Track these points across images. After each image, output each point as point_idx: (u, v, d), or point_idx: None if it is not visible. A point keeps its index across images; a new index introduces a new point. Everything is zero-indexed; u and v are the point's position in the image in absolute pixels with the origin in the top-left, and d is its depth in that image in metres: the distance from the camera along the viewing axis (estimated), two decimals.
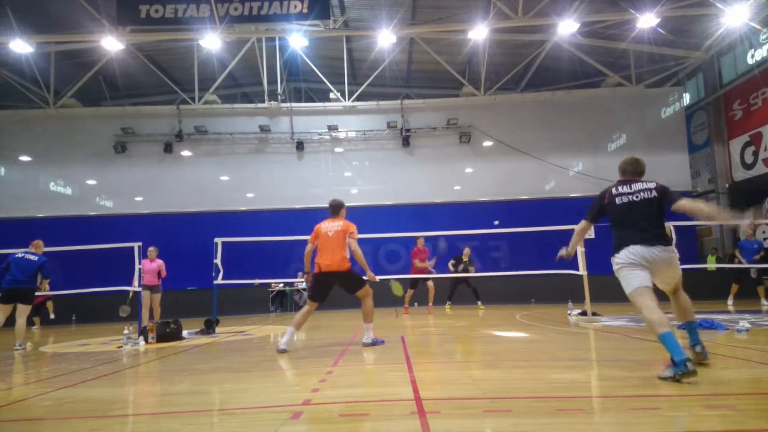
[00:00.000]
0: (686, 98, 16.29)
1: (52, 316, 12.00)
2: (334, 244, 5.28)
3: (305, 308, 5.38)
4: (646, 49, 14.58)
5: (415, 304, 12.03)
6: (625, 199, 3.76)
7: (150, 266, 9.77)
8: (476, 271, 11.28)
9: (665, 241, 3.62)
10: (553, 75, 16.37)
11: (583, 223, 3.99)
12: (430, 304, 11.03)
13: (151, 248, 9.89)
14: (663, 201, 3.69)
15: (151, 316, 9.97)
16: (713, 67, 15.64)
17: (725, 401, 2.54)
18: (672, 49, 14.91)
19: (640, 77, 15.85)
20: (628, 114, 15.61)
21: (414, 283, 10.87)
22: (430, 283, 10.84)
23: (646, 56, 15.13)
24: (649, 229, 3.64)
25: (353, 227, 5.41)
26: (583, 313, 8.15)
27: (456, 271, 11.15)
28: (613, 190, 3.82)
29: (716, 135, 15.62)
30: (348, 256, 5.34)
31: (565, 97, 15.74)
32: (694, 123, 16.51)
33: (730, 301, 10.24)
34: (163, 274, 9.79)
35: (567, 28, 12.55)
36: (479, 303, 11.37)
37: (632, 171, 3.95)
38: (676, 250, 3.72)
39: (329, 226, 5.40)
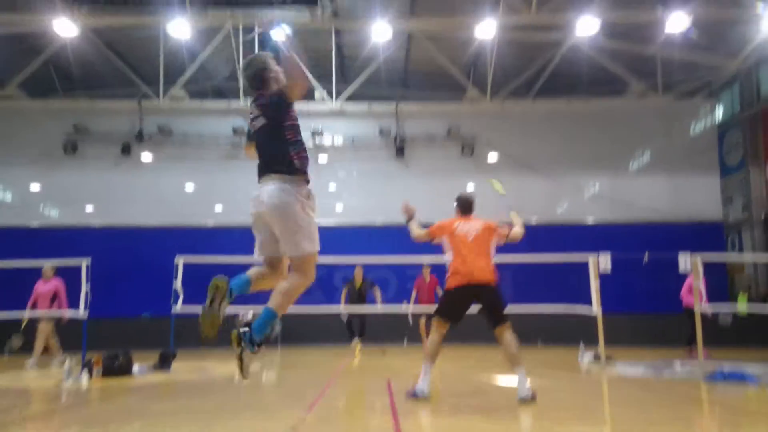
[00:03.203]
0: (719, 112, 16.45)
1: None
2: (477, 250, 4.86)
3: (436, 335, 4.80)
4: (675, 55, 14.71)
5: (405, 340, 12.02)
6: (253, 125, 3.48)
7: (44, 288, 9.11)
8: None
9: (280, 170, 3.26)
10: (570, 81, 16.46)
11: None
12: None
13: (47, 265, 9.23)
14: (279, 118, 3.32)
15: (44, 351, 9.20)
16: (751, 78, 15.87)
17: None
18: (704, 54, 15.06)
19: (668, 87, 15.98)
20: (654, 128, 15.67)
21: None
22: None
23: (676, 64, 15.24)
24: (262, 157, 3.39)
25: (495, 224, 5.12)
26: (597, 358, 8.20)
27: (352, 302, 10.74)
28: (250, 110, 3.53)
29: (752, 156, 15.77)
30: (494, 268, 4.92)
31: (582, 106, 15.81)
32: (728, 142, 16.70)
33: None
34: (62, 298, 9.11)
35: (586, 27, 12.60)
36: (357, 339, 10.90)
37: (249, 81, 3.61)
38: (292, 188, 3.22)
39: (466, 228, 4.97)
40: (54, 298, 9.14)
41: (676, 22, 12.32)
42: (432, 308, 10.46)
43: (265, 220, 3.28)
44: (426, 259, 10.59)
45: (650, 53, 15.07)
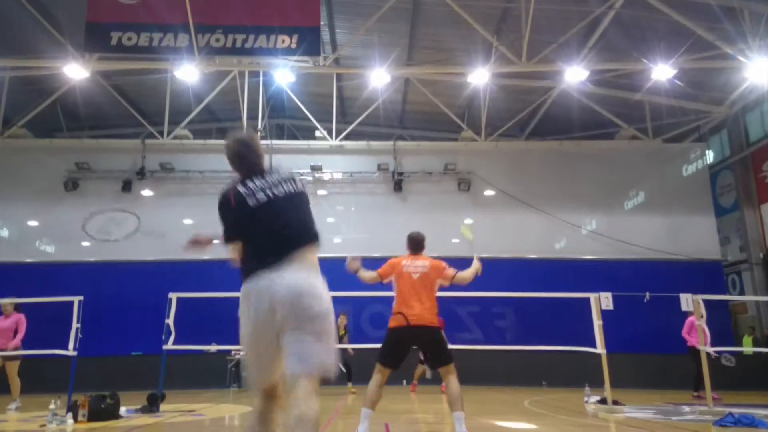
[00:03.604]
0: (709, 156, 16.48)
1: None
2: (421, 289, 4.64)
3: (376, 378, 4.52)
4: (663, 101, 14.87)
5: (404, 381, 11.48)
6: (261, 197, 2.72)
7: (4, 324, 8.54)
8: (469, 343, 10.86)
9: (312, 240, 2.72)
10: (561, 123, 16.64)
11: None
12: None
13: (5, 300, 8.68)
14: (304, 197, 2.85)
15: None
16: (738, 123, 15.96)
17: None
18: (692, 102, 15.23)
19: (658, 131, 16.10)
20: (646, 170, 15.71)
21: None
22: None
23: (665, 109, 15.41)
24: (288, 229, 2.68)
25: (443, 264, 4.83)
26: (603, 401, 7.76)
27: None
28: (240, 188, 2.76)
29: (745, 197, 15.70)
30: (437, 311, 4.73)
31: (575, 147, 15.87)
32: (720, 183, 16.65)
33: None
34: (19, 333, 8.55)
35: (575, 75, 12.73)
36: (350, 384, 10.78)
37: (244, 157, 2.88)
38: (322, 283, 2.61)
39: (413, 266, 4.75)
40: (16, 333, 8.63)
41: (663, 71, 12.44)
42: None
43: (279, 321, 2.47)
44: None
45: (639, 99, 15.21)
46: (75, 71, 12.81)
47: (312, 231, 2.76)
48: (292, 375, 2.40)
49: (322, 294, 2.56)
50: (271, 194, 2.73)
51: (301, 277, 2.53)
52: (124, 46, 12.41)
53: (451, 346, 10.26)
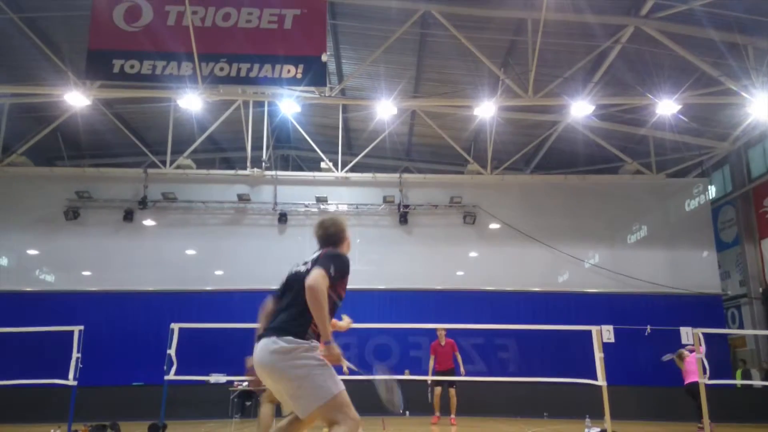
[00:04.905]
0: (712, 191, 16.95)
1: None
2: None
3: (266, 408, 5.60)
4: (667, 136, 15.36)
5: (406, 413, 11.71)
6: (291, 270, 3.55)
7: None
8: (472, 374, 11.12)
9: (279, 330, 3.13)
10: (567, 157, 17.13)
11: None
12: (453, 415, 10.80)
13: None
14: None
15: None
16: (741, 159, 16.53)
17: None
18: (696, 137, 15.76)
19: (662, 165, 16.58)
20: (649, 204, 16.20)
21: (439, 382, 10.71)
22: (452, 390, 10.66)
23: (668, 144, 15.88)
24: (275, 312, 3.34)
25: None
26: None
27: None
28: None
29: (746, 233, 16.20)
30: None
31: (579, 181, 16.38)
32: (722, 218, 17.18)
33: None
34: None
35: (580, 110, 13.18)
36: None
37: (318, 237, 3.72)
38: (293, 346, 3.04)
39: None
40: None
41: (667, 106, 12.81)
42: (449, 374, 10.48)
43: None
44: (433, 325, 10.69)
45: (642, 134, 15.73)
46: (76, 99, 13.03)
47: (280, 317, 3.23)
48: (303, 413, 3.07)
49: (279, 370, 3.07)
50: (294, 270, 3.46)
51: (266, 350, 3.11)
52: (127, 74, 12.54)
53: (455, 378, 10.63)
